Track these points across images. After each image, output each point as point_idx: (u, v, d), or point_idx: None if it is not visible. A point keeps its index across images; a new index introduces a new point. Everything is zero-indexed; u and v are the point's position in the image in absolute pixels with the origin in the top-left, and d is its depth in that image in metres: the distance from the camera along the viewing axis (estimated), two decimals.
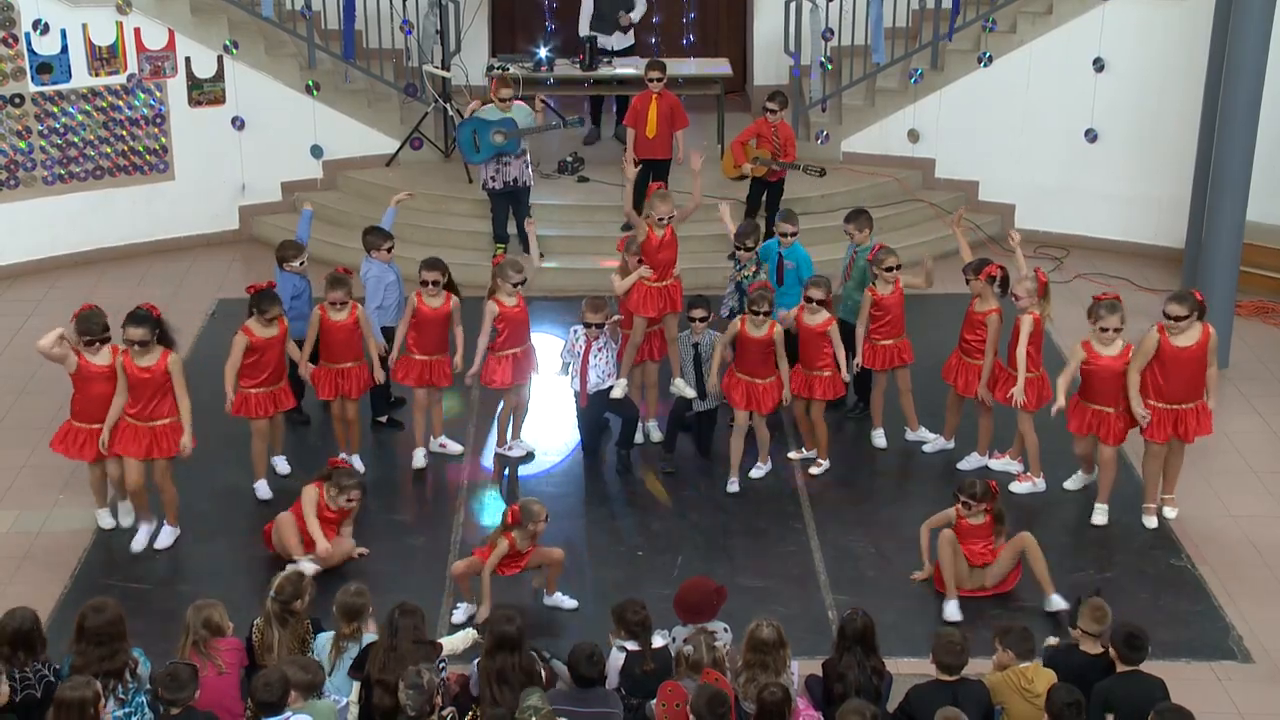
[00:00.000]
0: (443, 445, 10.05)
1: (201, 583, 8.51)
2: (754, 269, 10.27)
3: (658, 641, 7.18)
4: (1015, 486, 9.50)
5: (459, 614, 8.32)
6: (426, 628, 6.99)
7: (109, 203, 13.50)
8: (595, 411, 9.95)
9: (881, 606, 8.02)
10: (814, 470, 9.78)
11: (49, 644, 7.86)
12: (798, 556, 8.95)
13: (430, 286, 9.60)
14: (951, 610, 8.36)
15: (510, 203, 12.69)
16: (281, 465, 9.75)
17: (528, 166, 12.57)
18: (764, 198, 12.71)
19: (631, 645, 7.12)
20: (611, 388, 9.88)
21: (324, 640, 7.21)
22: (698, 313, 9.72)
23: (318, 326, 9.52)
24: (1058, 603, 8.28)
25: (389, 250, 10.23)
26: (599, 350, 9.83)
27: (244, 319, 9.30)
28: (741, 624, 7.26)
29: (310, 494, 8.62)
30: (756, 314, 9.33)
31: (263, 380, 9.29)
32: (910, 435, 10.15)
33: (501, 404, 10.03)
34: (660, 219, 9.92)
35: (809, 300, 9.56)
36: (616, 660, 7.13)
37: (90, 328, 8.69)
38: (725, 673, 7.06)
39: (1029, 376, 9.24)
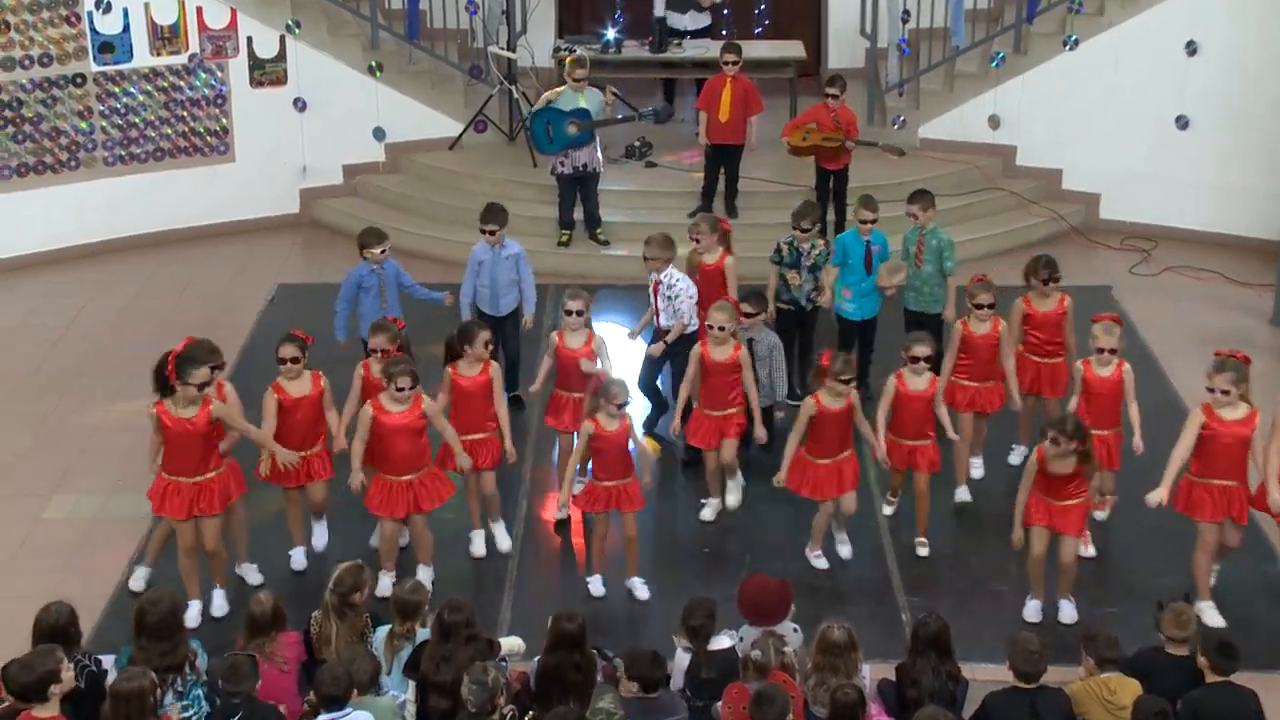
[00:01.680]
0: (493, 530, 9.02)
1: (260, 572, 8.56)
2: (821, 247, 10.19)
3: (724, 643, 7.12)
4: (1097, 514, 9.10)
5: (640, 588, 8.43)
6: (479, 623, 6.94)
7: (169, 184, 13.59)
8: (659, 364, 9.80)
9: (957, 610, 7.92)
10: (921, 552, 8.87)
11: (105, 633, 7.97)
12: (870, 557, 8.85)
13: (471, 352, 8.61)
14: (1031, 611, 8.23)
15: (578, 189, 12.65)
16: (297, 557, 8.70)
17: (597, 151, 12.51)
18: (830, 185, 12.56)
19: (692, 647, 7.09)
20: (688, 335, 9.60)
21: (381, 635, 7.21)
22: (748, 307, 9.46)
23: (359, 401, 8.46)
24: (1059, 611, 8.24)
25: (491, 234, 10.01)
26: (667, 295, 9.70)
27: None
28: (812, 625, 7.19)
29: (366, 416, 8.16)
30: (840, 381, 8.35)
31: (292, 444, 8.38)
32: (959, 492, 9.41)
33: (558, 448, 9.45)
34: (717, 328, 8.96)
35: (914, 360, 8.64)
36: (682, 661, 7.10)
37: (198, 360, 7.93)
38: (794, 676, 6.98)
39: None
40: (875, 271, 10.22)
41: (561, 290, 9.76)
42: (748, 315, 9.39)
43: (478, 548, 8.88)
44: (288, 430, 8.40)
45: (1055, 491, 8.04)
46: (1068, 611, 8.25)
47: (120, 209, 13.47)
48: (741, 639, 7.24)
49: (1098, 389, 8.74)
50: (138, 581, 8.50)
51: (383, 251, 9.85)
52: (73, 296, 12.62)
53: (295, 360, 8.36)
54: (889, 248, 10.32)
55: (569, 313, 9.04)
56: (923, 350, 8.65)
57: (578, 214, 12.84)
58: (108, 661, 7.01)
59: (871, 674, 7.14)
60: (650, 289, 9.90)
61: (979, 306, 9.09)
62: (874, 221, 10.21)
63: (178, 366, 7.85)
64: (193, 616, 8.11)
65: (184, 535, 8.12)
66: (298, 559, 8.74)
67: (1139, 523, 9.01)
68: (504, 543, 8.94)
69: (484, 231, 10.11)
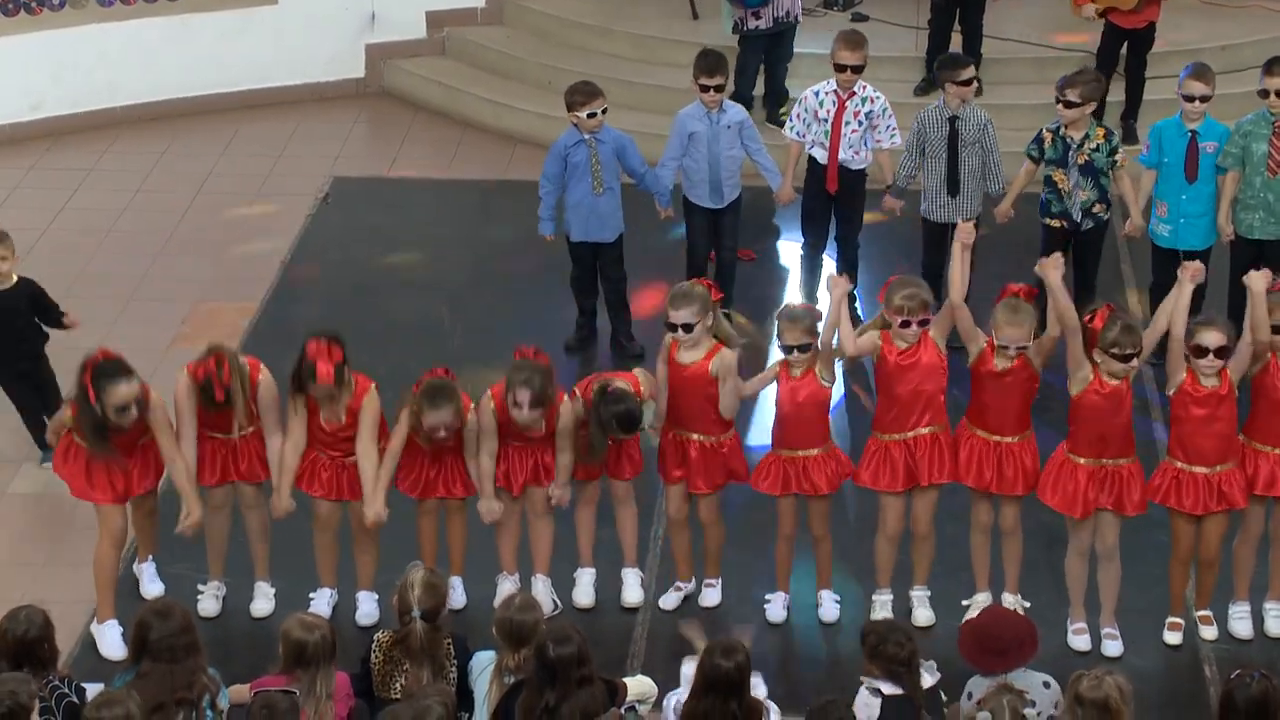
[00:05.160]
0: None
1: (295, 564, 8.69)
2: (1099, 140, 10.08)
3: (926, 680, 7.17)
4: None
5: (830, 605, 8.62)
6: (592, 660, 6.98)
7: (186, 35, 13.77)
8: (828, 199, 10.26)
9: None
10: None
11: (93, 653, 8.14)
12: (1160, 583, 8.72)
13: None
14: None
15: (770, 48, 12.70)
16: (208, 601, 8.74)
17: None
18: (1124, 51, 12.46)
19: (888, 688, 7.07)
20: (863, 172, 10.29)
21: (485, 665, 7.30)
22: (969, 71, 10.00)
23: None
24: None
25: (715, 91, 10.28)
26: (861, 119, 9.99)
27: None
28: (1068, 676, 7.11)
29: (487, 415, 8.34)
30: (1122, 358, 8.02)
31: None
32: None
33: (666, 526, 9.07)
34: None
35: (1201, 351, 8.12)
36: (868, 709, 7.08)
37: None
38: None
39: None
40: (1204, 179, 10.07)
41: None
42: (965, 83, 9.96)
43: (584, 594, 8.88)
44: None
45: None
46: None
47: (117, 68, 13.67)
48: (970, 695, 7.25)
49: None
50: (209, 603, 8.70)
51: (591, 115, 10.07)
52: (48, 189, 12.82)
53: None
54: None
55: (673, 327, 8.38)
56: (1214, 339, 8.12)
57: (759, 87, 12.91)
58: (94, 690, 7.14)
59: None
60: (822, 113, 10.36)
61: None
62: (1206, 100, 10.00)
63: (95, 380, 8.00)
64: (115, 642, 8.29)
65: (112, 519, 8.32)
66: (320, 604, 8.70)
67: None
68: (633, 594, 8.88)
69: (705, 89, 10.28)
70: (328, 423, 8.24)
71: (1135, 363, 8.14)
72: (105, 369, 8.01)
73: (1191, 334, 8.14)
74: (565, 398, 8.39)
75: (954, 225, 10.28)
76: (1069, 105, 10.03)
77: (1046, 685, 7.31)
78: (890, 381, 8.35)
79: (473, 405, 8.35)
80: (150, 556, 8.77)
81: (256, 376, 8.28)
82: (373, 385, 8.27)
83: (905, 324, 8.27)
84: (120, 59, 13.61)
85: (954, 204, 10.42)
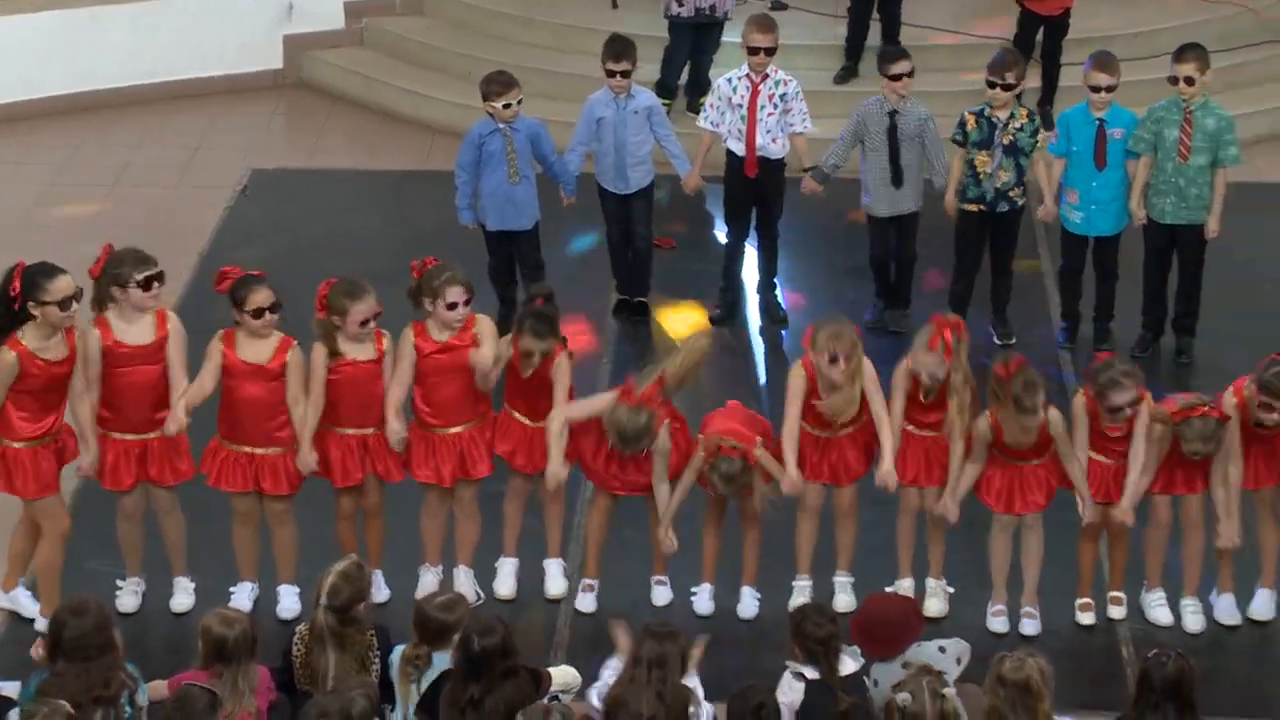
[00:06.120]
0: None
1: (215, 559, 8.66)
2: (1023, 120, 10.18)
3: (850, 665, 7.22)
4: None
5: (749, 601, 8.65)
6: (517, 652, 6.99)
7: (99, 26, 13.71)
8: (749, 189, 10.29)
9: (1202, 645, 7.92)
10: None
11: (5, 651, 8.08)
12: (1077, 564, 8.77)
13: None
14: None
15: (695, 39, 12.73)
16: (128, 597, 8.63)
17: None
18: (1039, 36, 12.57)
19: (811, 672, 7.14)
20: (782, 161, 10.43)
21: (396, 660, 7.26)
22: (900, 66, 10.10)
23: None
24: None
25: (622, 76, 10.38)
26: (776, 102, 10.11)
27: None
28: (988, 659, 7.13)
29: (407, 344, 8.37)
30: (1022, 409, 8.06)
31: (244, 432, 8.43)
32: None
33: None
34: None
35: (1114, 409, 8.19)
36: (792, 692, 7.13)
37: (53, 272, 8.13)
38: None
39: None
40: (1113, 166, 10.15)
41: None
42: (905, 76, 10.15)
43: (504, 584, 8.85)
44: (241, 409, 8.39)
45: None
46: None
47: (35, 60, 13.61)
48: (876, 683, 7.29)
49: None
50: (128, 599, 8.64)
51: (506, 106, 10.11)
52: None
53: (275, 310, 8.30)
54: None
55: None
56: (1123, 399, 8.16)
57: (684, 76, 12.97)
58: (9, 688, 7.11)
59: None
60: (735, 99, 10.43)
61: (1261, 425, 8.22)
62: (1112, 90, 10.10)
63: (27, 281, 7.95)
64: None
65: (56, 516, 8.29)
66: (241, 598, 8.62)
67: None
68: (556, 585, 8.87)
69: (611, 74, 10.38)
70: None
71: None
72: (40, 268, 8.02)
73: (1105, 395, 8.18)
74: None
75: (899, 218, 10.38)
76: (1006, 88, 10.11)
77: (943, 650, 7.36)
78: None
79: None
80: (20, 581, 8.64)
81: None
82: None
83: (833, 360, 8.18)
84: (31, 52, 13.55)
85: (897, 197, 10.45)
